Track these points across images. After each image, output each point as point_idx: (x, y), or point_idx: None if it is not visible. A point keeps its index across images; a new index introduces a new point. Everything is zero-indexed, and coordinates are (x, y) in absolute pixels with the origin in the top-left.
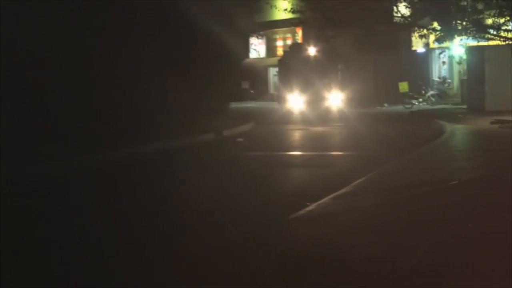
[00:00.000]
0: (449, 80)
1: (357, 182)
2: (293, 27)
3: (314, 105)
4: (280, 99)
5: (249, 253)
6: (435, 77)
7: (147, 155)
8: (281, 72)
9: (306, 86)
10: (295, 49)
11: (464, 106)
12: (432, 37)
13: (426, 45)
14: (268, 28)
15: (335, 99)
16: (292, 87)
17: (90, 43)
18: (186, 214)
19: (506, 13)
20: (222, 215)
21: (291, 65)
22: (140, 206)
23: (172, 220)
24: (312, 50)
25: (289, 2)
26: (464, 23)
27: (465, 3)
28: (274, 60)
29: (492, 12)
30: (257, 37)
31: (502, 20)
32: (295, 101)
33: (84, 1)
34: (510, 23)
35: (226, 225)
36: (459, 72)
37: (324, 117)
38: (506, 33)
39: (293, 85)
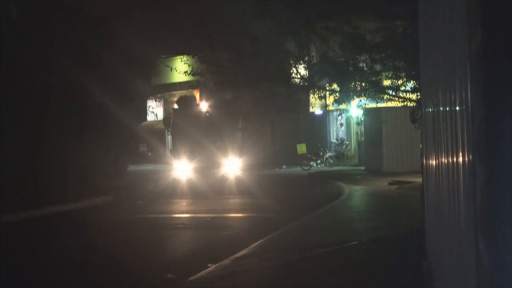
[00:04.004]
0: (347, 142)
1: (257, 243)
2: (190, 90)
3: (208, 173)
4: (171, 164)
5: None
6: (333, 139)
7: (41, 219)
8: (172, 133)
9: (198, 149)
10: (184, 105)
11: (362, 168)
12: (331, 99)
13: (324, 107)
14: (166, 90)
15: (233, 163)
16: (181, 151)
17: None
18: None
19: (402, 75)
20: (119, 279)
21: (180, 124)
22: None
23: None
24: (204, 106)
25: (188, 64)
26: (363, 84)
27: (363, 65)
28: None
29: (390, 73)
30: (155, 100)
31: (399, 82)
32: (185, 168)
33: None
34: (408, 84)
35: None
36: (357, 133)
37: (218, 185)
38: (404, 93)
39: (182, 148)
